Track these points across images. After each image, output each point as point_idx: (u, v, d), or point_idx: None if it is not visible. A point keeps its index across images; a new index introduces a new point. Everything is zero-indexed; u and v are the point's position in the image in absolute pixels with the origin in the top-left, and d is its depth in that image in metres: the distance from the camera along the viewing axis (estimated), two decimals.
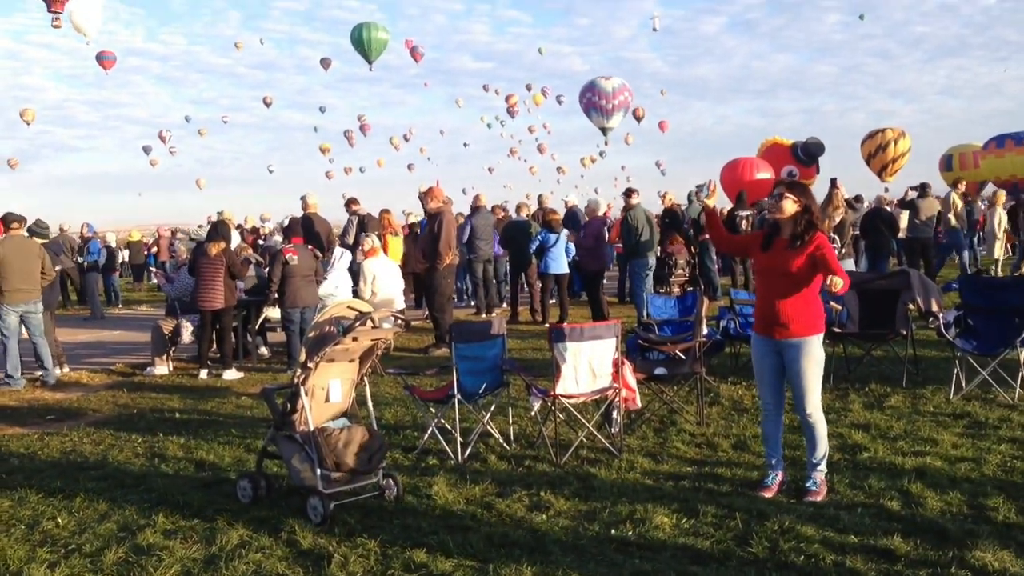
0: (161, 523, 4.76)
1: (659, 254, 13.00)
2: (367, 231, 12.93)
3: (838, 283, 4.46)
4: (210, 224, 13.97)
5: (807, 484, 4.91)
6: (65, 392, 9.09)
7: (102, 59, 36.17)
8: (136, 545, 4.47)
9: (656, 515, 4.59)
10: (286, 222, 15.26)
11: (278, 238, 17.74)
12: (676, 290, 12.66)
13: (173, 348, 10.28)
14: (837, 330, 7.99)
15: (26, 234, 10.11)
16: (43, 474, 5.86)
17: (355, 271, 11.23)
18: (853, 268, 13.89)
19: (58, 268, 11.49)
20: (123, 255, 24.99)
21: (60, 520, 4.89)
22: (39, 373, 9.54)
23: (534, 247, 13.14)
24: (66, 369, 10.16)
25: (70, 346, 11.20)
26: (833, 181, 13.59)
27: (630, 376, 6.33)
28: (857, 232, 15.26)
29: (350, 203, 13.85)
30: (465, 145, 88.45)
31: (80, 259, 17.86)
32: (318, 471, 4.86)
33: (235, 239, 13.84)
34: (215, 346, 10.14)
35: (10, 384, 9.20)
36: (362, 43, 30.88)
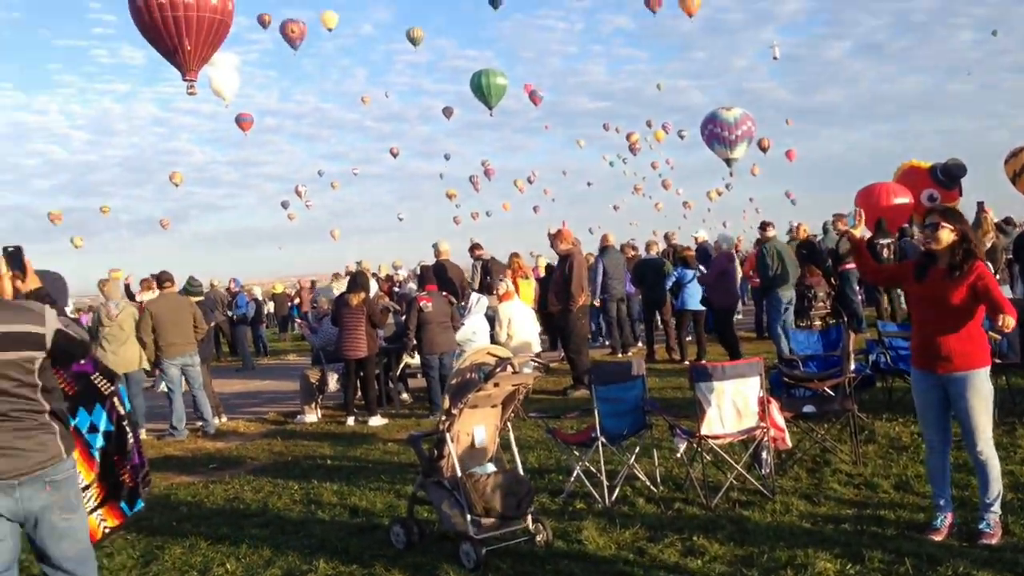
0: (323, 569, 4.92)
1: (797, 287, 12.63)
2: (491, 275, 13.14)
3: (1011, 323, 4.23)
4: (348, 275, 14.48)
5: (980, 526, 4.64)
6: (224, 441, 9.56)
7: (241, 121, 38.01)
8: None
9: (818, 560, 4.43)
10: (419, 269, 15.64)
11: (412, 285, 18.16)
12: (817, 323, 12.28)
13: (320, 396, 10.67)
14: (998, 361, 7.56)
15: (177, 291, 10.73)
16: (210, 521, 6.16)
17: (490, 316, 11.39)
18: (1010, 294, 13.16)
19: (212, 323, 12.13)
20: (268, 307, 26.11)
21: (228, 566, 5.12)
22: (200, 423, 10.06)
23: (670, 284, 13.05)
24: (224, 419, 10.69)
25: (225, 396, 11.77)
26: (980, 204, 12.95)
27: (777, 415, 6.17)
28: (1010, 256, 14.46)
29: (473, 248, 14.11)
30: (588, 184, 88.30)
31: (229, 313, 18.77)
32: (468, 517, 4.92)
33: (373, 288, 14.29)
34: (360, 393, 10.45)
35: (175, 435, 9.75)
36: (482, 90, 31.51)
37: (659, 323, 14.49)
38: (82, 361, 4.02)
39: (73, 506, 3.63)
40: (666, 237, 17.62)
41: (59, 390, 3.70)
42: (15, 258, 3.74)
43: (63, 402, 3.71)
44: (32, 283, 3.77)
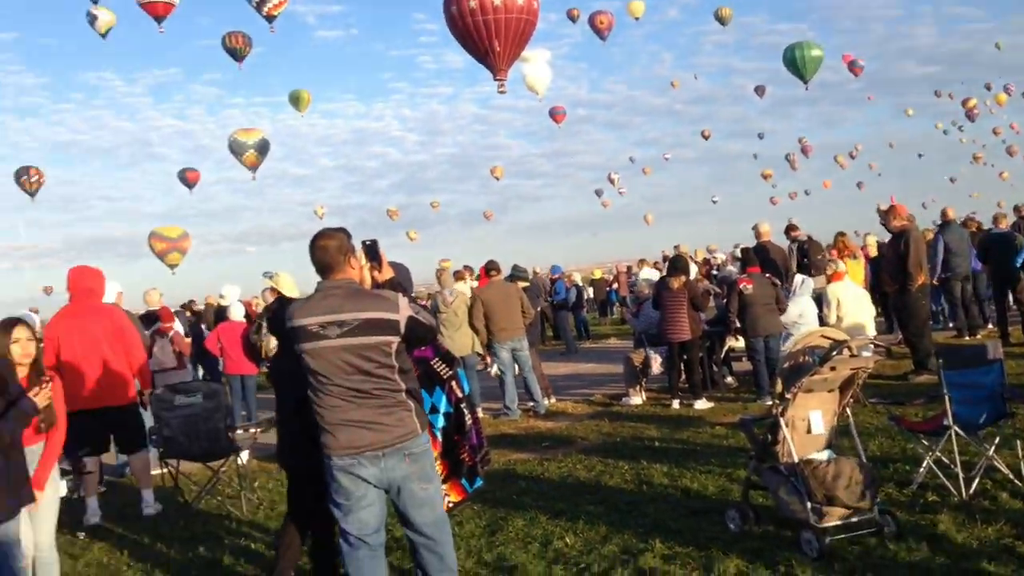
0: (659, 548, 4.96)
1: None
2: (809, 257, 12.51)
3: None
4: (665, 260, 14.49)
5: None
6: (554, 421, 9.95)
7: (554, 114, 39.35)
8: (639, 568, 4.71)
9: None
10: (738, 252, 15.27)
11: (732, 268, 17.80)
12: None
13: (644, 379, 10.78)
14: None
15: (504, 279, 11.29)
16: (547, 496, 6.43)
17: (815, 297, 10.87)
18: None
19: (537, 308, 12.65)
20: (588, 292, 26.85)
21: (568, 540, 5.32)
22: (531, 404, 10.56)
23: (1020, 261, 11.71)
24: (553, 400, 11.11)
25: (553, 378, 12.21)
26: None
27: None
28: None
29: (790, 229, 13.55)
30: (919, 156, 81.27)
31: (550, 299, 19.52)
32: (807, 504, 4.74)
33: (692, 271, 14.19)
34: (684, 376, 10.42)
35: (508, 414, 10.32)
36: (795, 63, 30.05)
37: (1011, 303, 13.03)
38: (422, 347, 4.34)
39: (430, 477, 3.95)
40: (1016, 209, 15.78)
41: (412, 371, 4.03)
42: (372, 251, 4.13)
43: (416, 382, 4.04)
44: (387, 273, 4.15)
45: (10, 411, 4.07)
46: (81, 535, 6.59)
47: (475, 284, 13.56)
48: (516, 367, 10.62)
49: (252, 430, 8.10)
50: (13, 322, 4.47)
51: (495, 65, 18.08)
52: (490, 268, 11.14)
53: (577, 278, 22.74)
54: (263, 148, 27.82)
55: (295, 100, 32.12)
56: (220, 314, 13.05)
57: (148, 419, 7.53)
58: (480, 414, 9.88)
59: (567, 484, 6.80)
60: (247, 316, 11.61)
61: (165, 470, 7.60)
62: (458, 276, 13.60)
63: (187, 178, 31.80)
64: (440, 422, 4.62)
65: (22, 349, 4.39)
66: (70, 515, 6.49)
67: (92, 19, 26.84)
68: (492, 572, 4.89)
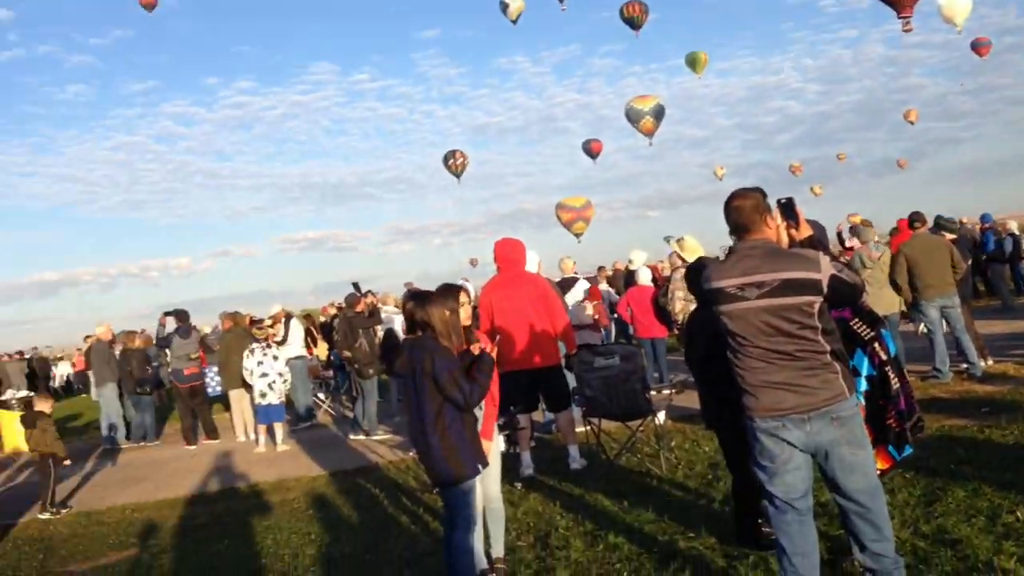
0: None
1: None
2: None
3: None
4: None
5: None
6: (993, 384, 8.99)
7: (977, 46, 35.25)
8: None
9: None
10: None
11: None
12: None
13: None
14: None
15: (928, 231, 10.35)
16: (991, 466, 5.84)
17: None
18: None
19: (968, 261, 11.45)
20: None
21: (1019, 515, 4.80)
22: (964, 366, 9.66)
23: None
24: (990, 361, 10.07)
25: (988, 338, 11.02)
26: None
27: None
28: None
29: None
30: None
31: (980, 250, 17.58)
32: None
33: None
34: None
35: (939, 377, 9.51)
36: None
37: None
38: (840, 307, 4.12)
39: (860, 441, 3.77)
40: None
41: (837, 332, 3.85)
42: (788, 209, 4.01)
43: (841, 343, 3.86)
44: (804, 231, 4.01)
45: (479, 365, 4.59)
46: (518, 485, 7.23)
47: None
48: (945, 325, 9.75)
49: (666, 391, 8.32)
50: (456, 288, 5.03)
51: (899, 1, 16.69)
52: (914, 220, 10.32)
53: (1013, 226, 20.15)
54: (659, 114, 28.18)
55: (692, 62, 32.05)
56: (629, 279, 13.58)
57: (571, 380, 8.05)
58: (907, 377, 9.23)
59: (1015, 454, 6.11)
60: (654, 280, 11.92)
61: (588, 428, 8.10)
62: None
63: (591, 149, 33.20)
64: (862, 386, 4.40)
65: (464, 312, 4.94)
66: (507, 467, 7.16)
67: (504, 7, 29.08)
68: (932, 545, 4.56)
